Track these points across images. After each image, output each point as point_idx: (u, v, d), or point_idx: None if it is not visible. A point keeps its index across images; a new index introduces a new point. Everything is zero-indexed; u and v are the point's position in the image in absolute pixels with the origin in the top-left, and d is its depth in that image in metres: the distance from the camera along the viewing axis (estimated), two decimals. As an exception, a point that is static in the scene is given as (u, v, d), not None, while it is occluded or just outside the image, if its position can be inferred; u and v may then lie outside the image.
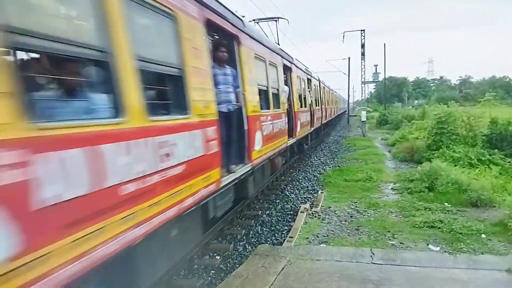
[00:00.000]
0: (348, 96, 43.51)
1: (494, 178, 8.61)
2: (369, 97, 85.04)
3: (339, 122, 39.45)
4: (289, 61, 10.71)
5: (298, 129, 11.10)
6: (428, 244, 5.22)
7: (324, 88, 22.15)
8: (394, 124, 25.47)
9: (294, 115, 10.61)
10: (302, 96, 12.62)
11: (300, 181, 10.34)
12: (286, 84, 10.16)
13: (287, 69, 10.44)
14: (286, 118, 9.26)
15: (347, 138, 22.18)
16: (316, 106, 16.78)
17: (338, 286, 4.00)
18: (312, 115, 14.62)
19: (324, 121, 20.51)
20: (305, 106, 13.19)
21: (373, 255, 4.77)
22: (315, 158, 14.63)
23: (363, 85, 50.74)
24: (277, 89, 8.52)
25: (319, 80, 19.47)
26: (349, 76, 39.71)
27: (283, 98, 9.12)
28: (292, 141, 10.17)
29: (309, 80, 15.30)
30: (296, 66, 11.92)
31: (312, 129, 15.02)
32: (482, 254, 4.79)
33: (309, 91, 14.83)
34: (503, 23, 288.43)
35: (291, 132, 10.17)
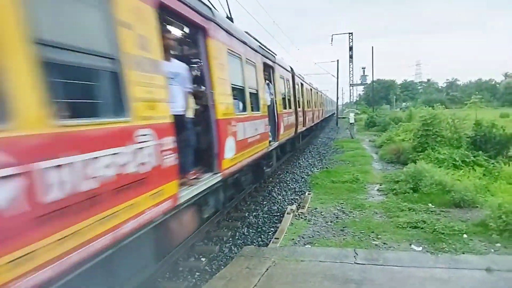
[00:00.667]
0: (337, 98, 43.93)
1: (477, 179, 8.71)
2: (357, 99, 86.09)
3: (328, 124, 39.77)
4: (207, 18, 5.31)
5: (230, 154, 5.87)
6: (410, 244, 5.29)
7: (302, 84, 17.18)
8: (381, 126, 25.77)
9: (217, 124, 5.40)
10: (247, 91, 7.29)
11: (288, 182, 10.39)
12: (199, 66, 5.73)
13: (199, 35, 5.28)
14: (193, 135, 4.97)
15: (335, 140, 22.34)
16: (288, 109, 12.33)
17: (321, 286, 4.03)
18: (276, 123, 10.05)
19: (302, 129, 15.85)
20: (258, 110, 8.07)
21: (357, 255, 4.82)
22: (303, 159, 14.70)
23: (351, 87, 51.33)
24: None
25: (292, 73, 14.23)
26: (338, 78, 40.22)
27: (167, 89, 4.03)
28: (215, 178, 5.27)
29: (273, 70, 10.33)
30: (231, 35, 6.46)
31: (276, 144, 10.03)
32: (463, 253, 4.87)
33: (267, 84, 9.58)
34: (490, 27, 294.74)
35: (212, 159, 5.40)
